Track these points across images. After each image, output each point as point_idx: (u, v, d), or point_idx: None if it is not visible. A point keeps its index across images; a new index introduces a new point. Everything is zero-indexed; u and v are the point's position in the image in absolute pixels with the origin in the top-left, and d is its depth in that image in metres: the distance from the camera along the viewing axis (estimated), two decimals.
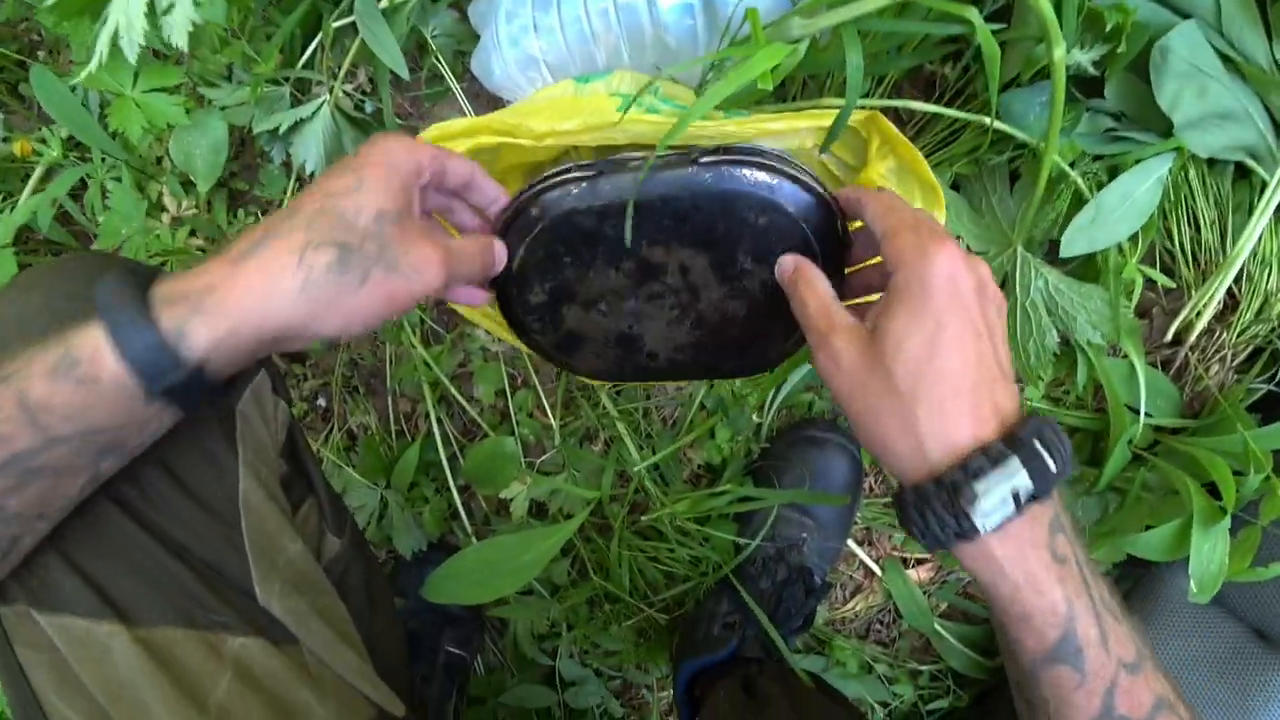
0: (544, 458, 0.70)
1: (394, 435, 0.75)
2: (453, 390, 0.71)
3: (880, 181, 0.47)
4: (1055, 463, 0.27)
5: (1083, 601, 0.28)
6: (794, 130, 0.42)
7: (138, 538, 0.33)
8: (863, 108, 0.47)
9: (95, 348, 0.27)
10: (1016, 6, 0.51)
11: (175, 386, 0.27)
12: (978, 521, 0.27)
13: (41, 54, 0.83)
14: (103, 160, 0.75)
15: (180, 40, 0.37)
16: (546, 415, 0.69)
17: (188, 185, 0.77)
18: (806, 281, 0.34)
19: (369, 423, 0.77)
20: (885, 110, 0.51)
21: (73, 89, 0.73)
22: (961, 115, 0.51)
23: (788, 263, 0.36)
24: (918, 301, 0.28)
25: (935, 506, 0.27)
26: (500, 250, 0.38)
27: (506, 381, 0.70)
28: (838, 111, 0.42)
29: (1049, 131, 0.49)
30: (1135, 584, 0.70)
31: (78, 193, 0.78)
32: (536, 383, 0.70)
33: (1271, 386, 0.67)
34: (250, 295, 0.27)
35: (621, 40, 0.56)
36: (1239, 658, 0.65)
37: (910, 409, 0.28)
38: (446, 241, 0.33)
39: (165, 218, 0.76)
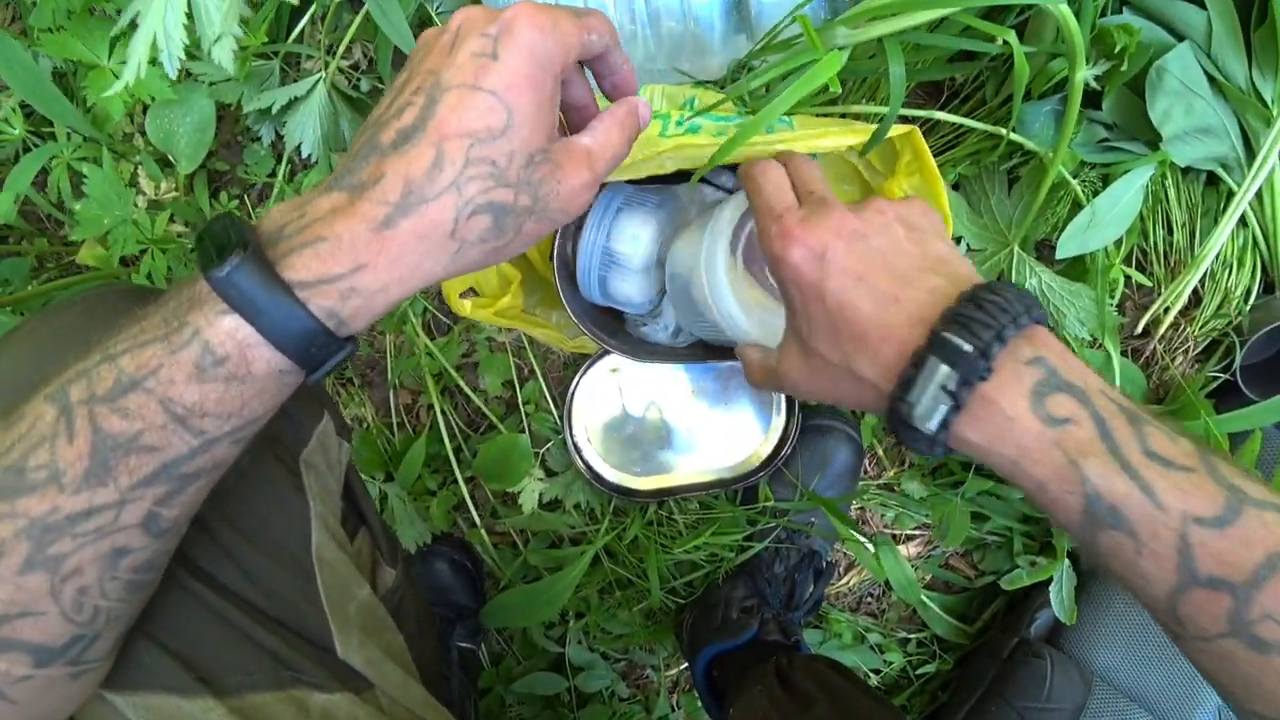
0: (549, 445, 0.70)
1: (394, 428, 0.74)
2: (459, 381, 0.70)
3: (900, 194, 0.48)
4: (973, 340, 0.26)
5: (1098, 459, 0.25)
6: (840, 147, 0.43)
7: (217, 604, 0.32)
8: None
9: (241, 341, 0.25)
10: (1032, 24, 0.53)
11: (330, 364, 0.26)
12: (924, 427, 0.27)
13: None
14: (68, 138, 0.69)
15: (227, 63, 0.34)
16: (554, 409, 0.69)
17: (164, 165, 0.72)
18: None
19: (365, 415, 0.75)
20: (905, 119, 0.52)
21: (35, 57, 0.66)
22: (984, 127, 0.53)
23: None
24: (791, 302, 0.33)
25: (896, 427, 0.29)
26: (645, 110, 0.32)
27: (514, 373, 0.69)
28: (877, 127, 0.43)
29: (1058, 144, 0.51)
30: None
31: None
32: (543, 373, 0.70)
33: (1226, 375, 0.73)
34: (401, 269, 0.26)
35: (646, 32, 0.56)
36: None
37: (846, 368, 0.30)
38: (589, 145, 0.29)
39: (141, 201, 0.71)
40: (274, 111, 0.65)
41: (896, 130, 0.48)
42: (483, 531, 0.72)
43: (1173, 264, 0.71)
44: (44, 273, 0.76)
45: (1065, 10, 0.41)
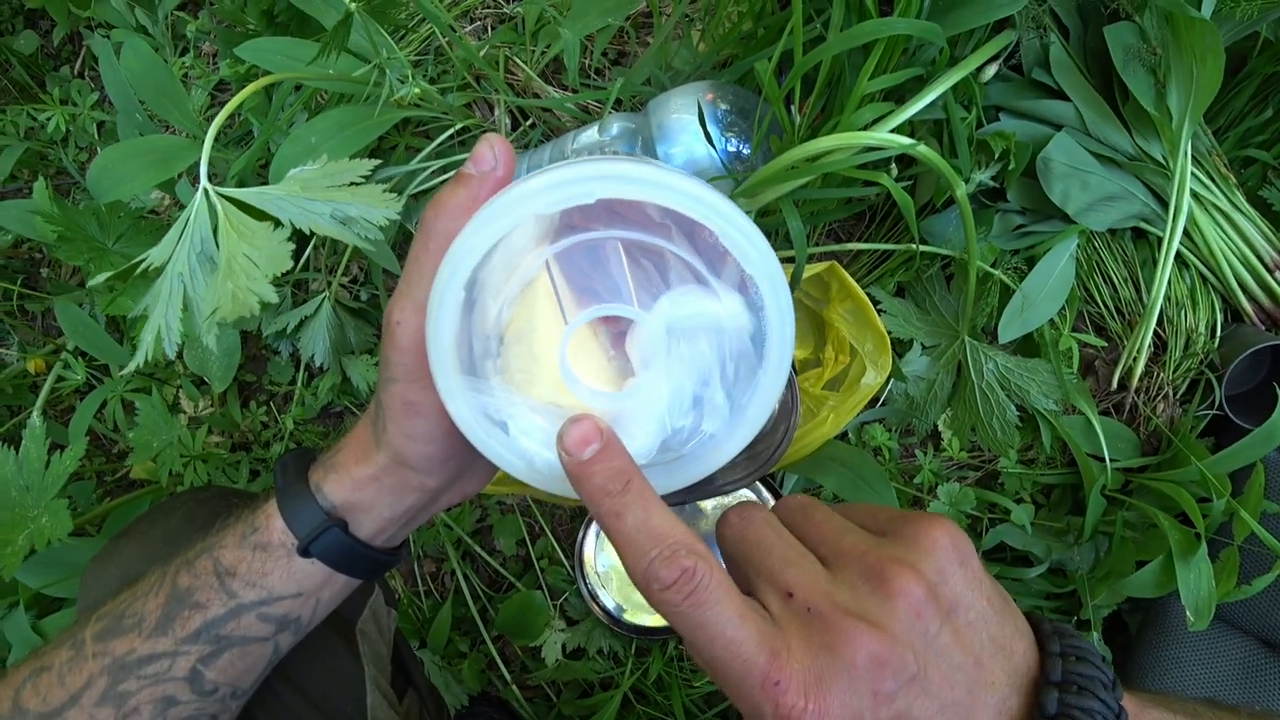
0: (565, 595, 0.73)
1: (422, 595, 0.77)
2: (475, 546, 0.74)
3: (840, 321, 0.54)
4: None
5: None
6: None
7: None
8: (814, 256, 0.54)
9: (268, 514, 0.30)
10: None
11: (325, 543, 0.29)
12: None
13: (45, 270, 0.89)
14: (119, 371, 0.80)
15: (212, 345, 0.43)
16: (565, 560, 0.73)
17: (199, 384, 0.82)
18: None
19: (394, 586, 0.79)
20: (829, 254, 0.59)
21: (81, 305, 0.79)
22: (892, 247, 0.59)
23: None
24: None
25: None
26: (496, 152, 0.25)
27: (525, 531, 0.73)
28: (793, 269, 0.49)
29: (968, 247, 0.57)
30: (1144, 618, 0.74)
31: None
32: (552, 529, 0.74)
33: (1215, 411, 0.74)
34: (356, 450, 0.30)
35: None
36: (1251, 670, 0.68)
37: None
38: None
39: (183, 418, 0.81)
40: (289, 330, 0.74)
41: (818, 267, 0.54)
42: (515, 688, 0.73)
43: (1127, 316, 0.75)
44: (102, 486, 0.84)
45: (924, 150, 0.48)
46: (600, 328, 0.25)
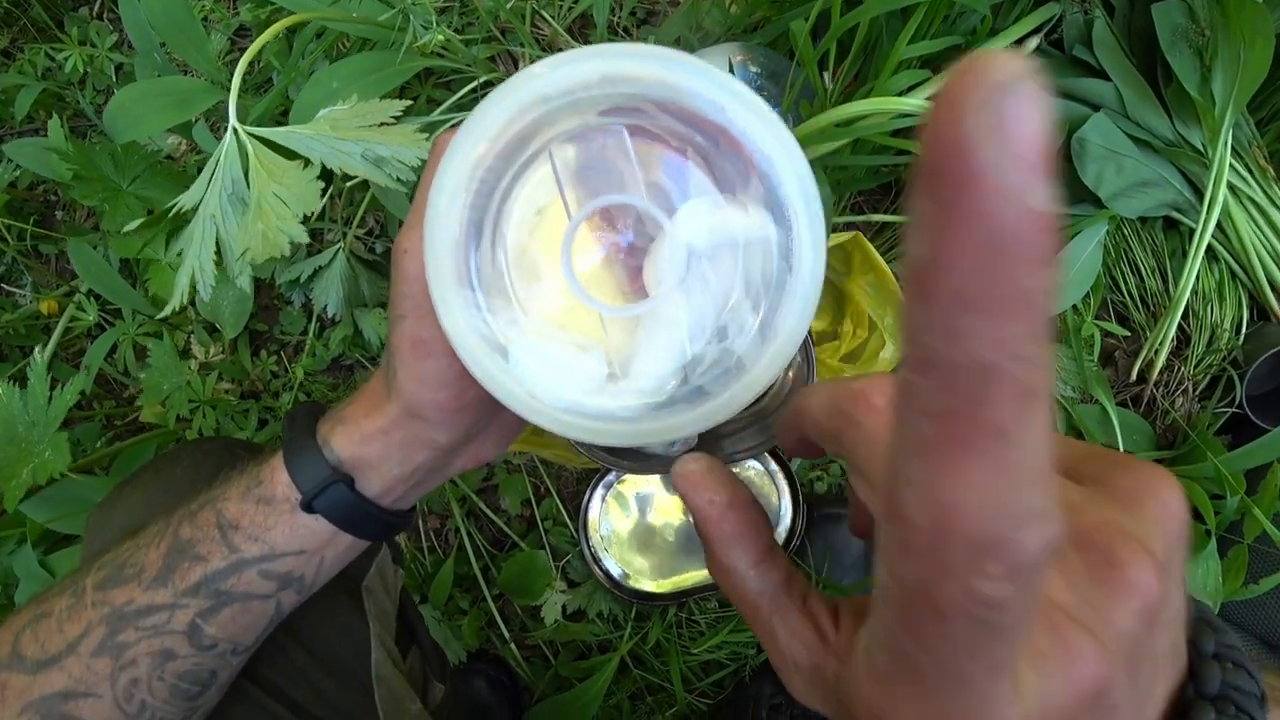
0: (568, 557, 0.73)
1: (425, 552, 0.78)
2: (480, 504, 0.74)
3: (860, 294, 0.53)
4: None
5: None
6: None
7: (284, 717, 0.36)
8: (838, 225, 0.53)
9: (274, 467, 0.29)
10: None
11: (329, 498, 0.28)
12: None
13: (59, 213, 0.89)
14: (132, 316, 0.80)
15: (246, 287, 0.42)
16: (570, 522, 0.73)
17: (211, 331, 0.82)
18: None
19: (398, 541, 0.79)
20: (853, 226, 0.58)
21: (95, 248, 0.79)
22: None
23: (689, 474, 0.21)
24: None
25: None
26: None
27: (531, 491, 0.73)
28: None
29: None
30: None
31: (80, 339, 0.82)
32: (558, 491, 0.74)
33: (1234, 409, 0.73)
34: (367, 402, 0.29)
35: None
36: None
37: None
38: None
39: (193, 364, 0.81)
40: (302, 280, 0.74)
41: (841, 237, 0.53)
42: (513, 646, 0.73)
43: (1152, 308, 0.73)
44: (111, 430, 0.85)
45: None
46: (616, 260, 0.23)
